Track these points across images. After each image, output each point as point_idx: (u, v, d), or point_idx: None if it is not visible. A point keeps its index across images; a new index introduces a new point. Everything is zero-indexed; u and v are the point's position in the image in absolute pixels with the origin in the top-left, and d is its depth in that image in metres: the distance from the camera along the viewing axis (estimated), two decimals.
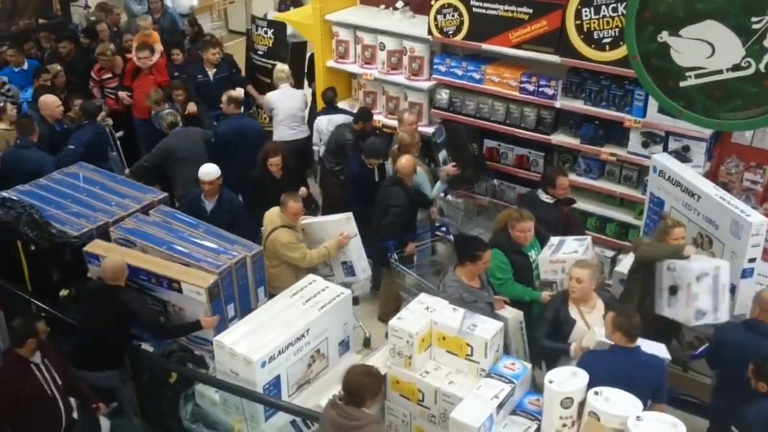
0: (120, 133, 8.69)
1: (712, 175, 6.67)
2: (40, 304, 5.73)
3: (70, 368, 5.11)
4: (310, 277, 5.37)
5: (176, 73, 9.12)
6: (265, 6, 12.33)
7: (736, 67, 5.07)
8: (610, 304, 5.11)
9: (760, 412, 4.40)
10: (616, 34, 6.32)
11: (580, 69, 6.84)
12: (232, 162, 7.30)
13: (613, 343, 4.48)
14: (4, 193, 6.02)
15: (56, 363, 4.93)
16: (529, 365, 4.64)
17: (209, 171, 6.49)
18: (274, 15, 10.02)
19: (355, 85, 8.55)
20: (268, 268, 5.87)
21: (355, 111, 8.00)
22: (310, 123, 8.40)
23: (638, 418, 3.82)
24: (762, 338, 4.84)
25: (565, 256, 5.53)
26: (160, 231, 5.70)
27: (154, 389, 5.49)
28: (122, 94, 8.92)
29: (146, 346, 5.39)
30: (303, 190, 7.20)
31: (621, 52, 6.23)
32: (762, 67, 4.97)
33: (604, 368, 4.29)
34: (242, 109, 8.34)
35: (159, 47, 9.28)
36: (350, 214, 6.23)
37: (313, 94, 8.95)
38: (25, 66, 9.07)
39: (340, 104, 8.32)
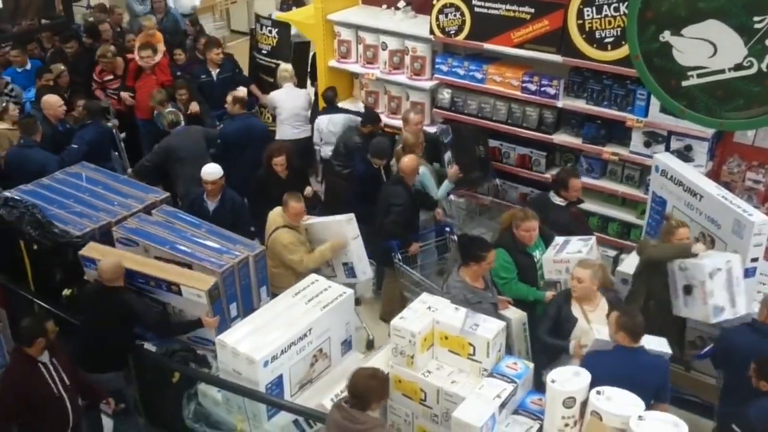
0: (122, 135, 8.69)
1: (714, 175, 6.66)
2: (42, 303, 5.73)
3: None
4: (313, 276, 5.37)
5: (178, 73, 9.12)
6: (267, 6, 12.31)
7: (738, 67, 5.07)
8: (614, 303, 5.10)
9: (762, 410, 4.39)
10: (618, 33, 6.31)
11: (582, 68, 6.84)
12: (238, 162, 7.30)
13: (615, 341, 4.48)
14: (7, 193, 6.03)
15: (64, 363, 4.91)
16: (531, 365, 4.63)
17: (212, 171, 6.48)
18: (276, 15, 10.01)
19: (357, 84, 8.55)
20: (270, 268, 5.87)
21: (354, 110, 8.00)
22: (313, 122, 8.40)
23: (640, 417, 3.81)
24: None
25: (569, 256, 5.52)
26: (163, 231, 5.70)
27: (156, 389, 5.50)
28: (124, 94, 8.93)
29: (149, 346, 5.39)
30: (309, 189, 7.20)
31: (623, 51, 6.22)
32: (764, 66, 4.97)
33: (607, 368, 4.28)
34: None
35: (162, 47, 9.29)
36: (352, 216, 6.20)
37: (316, 94, 8.96)
38: (28, 66, 9.07)
39: (342, 104, 8.32)
